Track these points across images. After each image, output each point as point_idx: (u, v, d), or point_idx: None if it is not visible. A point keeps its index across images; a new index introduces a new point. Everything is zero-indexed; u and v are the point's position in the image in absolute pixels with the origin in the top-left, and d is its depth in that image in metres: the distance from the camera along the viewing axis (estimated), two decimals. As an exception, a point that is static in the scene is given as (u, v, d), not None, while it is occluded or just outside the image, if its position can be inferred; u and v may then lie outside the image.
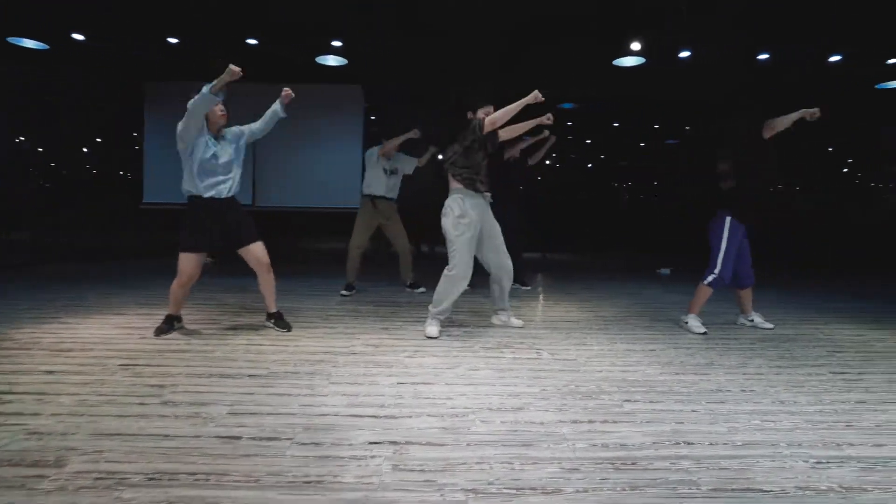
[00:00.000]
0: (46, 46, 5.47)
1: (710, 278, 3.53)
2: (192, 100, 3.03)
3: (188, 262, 3.24)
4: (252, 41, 5.33)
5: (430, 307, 3.42)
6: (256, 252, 3.37)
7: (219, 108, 3.21)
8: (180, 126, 3.13)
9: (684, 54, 5.37)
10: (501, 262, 3.51)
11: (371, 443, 1.87)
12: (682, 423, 2.08)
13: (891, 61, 5.73)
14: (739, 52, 5.37)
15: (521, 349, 3.13)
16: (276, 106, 3.39)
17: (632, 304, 4.71)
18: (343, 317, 3.93)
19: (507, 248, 3.53)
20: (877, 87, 6.47)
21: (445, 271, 3.34)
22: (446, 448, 1.83)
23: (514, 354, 3.01)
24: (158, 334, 3.25)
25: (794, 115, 3.33)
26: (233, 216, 3.32)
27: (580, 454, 1.80)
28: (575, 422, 2.07)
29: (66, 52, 5.65)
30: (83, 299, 4.33)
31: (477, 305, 4.42)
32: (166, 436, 1.89)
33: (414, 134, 4.64)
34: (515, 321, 3.73)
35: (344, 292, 4.78)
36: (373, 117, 8.64)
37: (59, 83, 7.05)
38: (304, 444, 1.85)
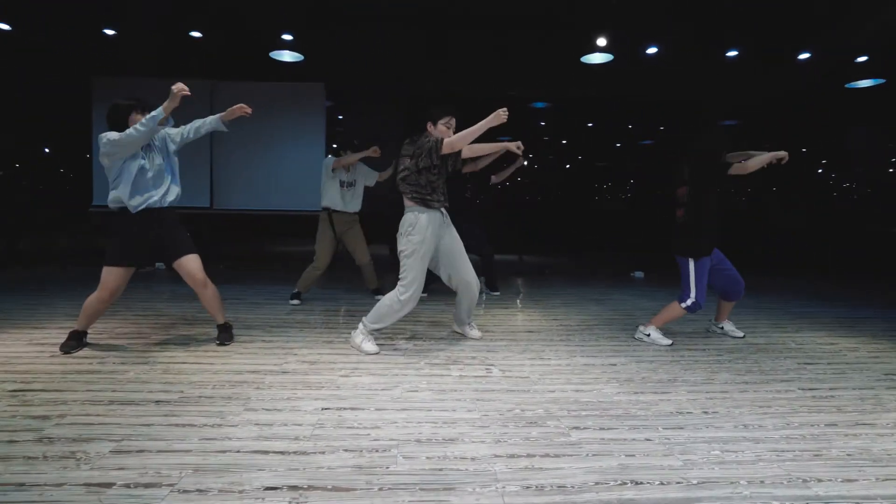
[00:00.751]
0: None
1: (688, 303, 3.24)
2: (135, 127, 2.76)
3: (112, 277, 2.96)
4: (196, 34, 4.99)
5: (366, 320, 3.09)
6: (189, 266, 3.07)
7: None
8: (108, 146, 2.81)
9: (651, 50, 5.18)
10: (465, 279, 3.21)
11: (267, 488, 1.59)
12: (632, 455, 1.83)
13: (860, 59, 5.63)
14: (708, 48, 5.21)
15: (470, 365, 2.87)
16: (216, 121, 3.06)
17: (600, 311, 4.49)
18: (287, 328, 3.64)
19: (479, 255, 3.22)
20: (846, 86, 6.39)
21: (398, 293, 3.00)
22: (353, 495, 1.56)
23: (462, 372, 2.75)
24: (67, 351, 2.94)
25: (766, 158, 3.16)
26: (165, 228, 3.04)
27: (509, 500, 1.55)
28: (512, 456, 1.81)
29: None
30: (3, 311, 3.96)
31: (437, 314, 4.16)
32: (21, 485, 1.58)
33: (373, 153, 4.33)
34: (474, 332, 3.48)
35: (293, 301, 4.49)
36: (340, 116, 8.34)
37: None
38: (186, 491, 1.57)
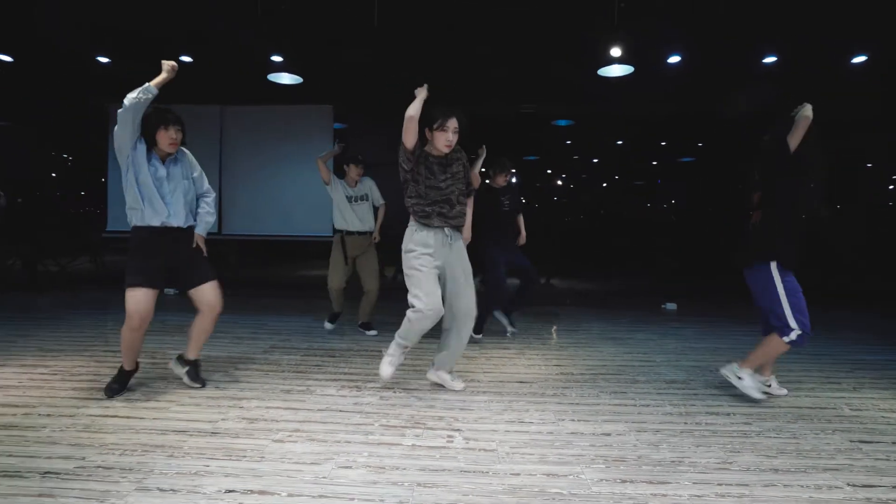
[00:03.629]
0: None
1: (792, 336, 2.66)
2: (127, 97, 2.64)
3: (136, 301, 2.72)
4: (186, 58, 4.89)
5: (396, 335, 2.88)
6: (210, 294, 2.89)
7: (169, 136, 2.76)
8: (116, 129, 2.69)
9: (674, 59, 4.63)
10: (468, 306, 2.89)
11: None
12: None
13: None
14: (740, 53, 4.59)
15: (432, 430, 2.42)
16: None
17: (614, 354, 3.92)
18: (250, 372, 3.31)
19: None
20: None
21: (408, 312, 2.78)
22: None
23: (417, 439, 2.31)
24: (110, 395, 2.78)
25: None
26: (185, 250, 2.87)
27: None
28: (421, 589, 1.35)
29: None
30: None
31: (430, 354, 3.70)
32: None
33: (338, 149, 4.40)
34: (456, 383, 3.04)
35: (327, 324, 4.44)
36: (351, 139, 8.15)
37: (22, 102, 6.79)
38: None
